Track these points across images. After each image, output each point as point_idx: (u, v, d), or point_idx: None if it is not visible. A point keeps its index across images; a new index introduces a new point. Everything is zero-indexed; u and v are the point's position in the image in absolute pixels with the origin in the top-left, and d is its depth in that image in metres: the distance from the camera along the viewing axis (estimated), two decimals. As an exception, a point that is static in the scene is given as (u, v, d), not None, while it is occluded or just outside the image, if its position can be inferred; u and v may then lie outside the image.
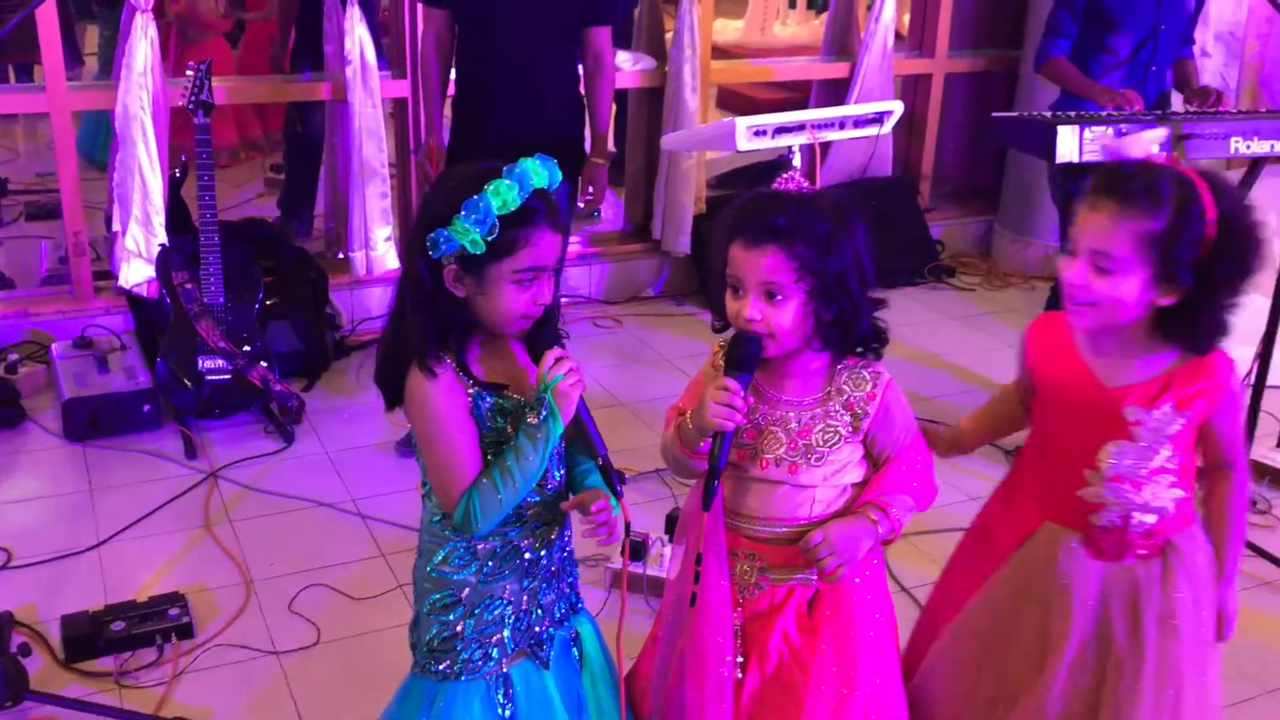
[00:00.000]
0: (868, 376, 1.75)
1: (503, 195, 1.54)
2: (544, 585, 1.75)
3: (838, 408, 1.73)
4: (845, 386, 1.74)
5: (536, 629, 1.75)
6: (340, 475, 3.41)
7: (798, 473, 1.73)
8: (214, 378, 3.55)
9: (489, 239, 1.55)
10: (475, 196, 1.54)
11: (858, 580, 1.78)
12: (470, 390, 1.62)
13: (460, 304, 1.60)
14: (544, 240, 1.60)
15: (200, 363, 3.54)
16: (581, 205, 3.42)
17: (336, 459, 3.50)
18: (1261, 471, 3.43)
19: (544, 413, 1.58)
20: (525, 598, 1.72)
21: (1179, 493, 1.82)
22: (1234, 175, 3.39)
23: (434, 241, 1.56)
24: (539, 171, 1.59)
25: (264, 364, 3.59)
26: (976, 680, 1.94)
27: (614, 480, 1.66)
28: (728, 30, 9.66)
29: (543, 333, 1.64)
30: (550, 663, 1.77)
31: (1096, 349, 1.80)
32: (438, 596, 1.71)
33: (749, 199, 1.70)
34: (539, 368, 1.61)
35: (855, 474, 1.77)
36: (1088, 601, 1.84)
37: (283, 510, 3.22)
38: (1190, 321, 1.71)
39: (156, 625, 2.62)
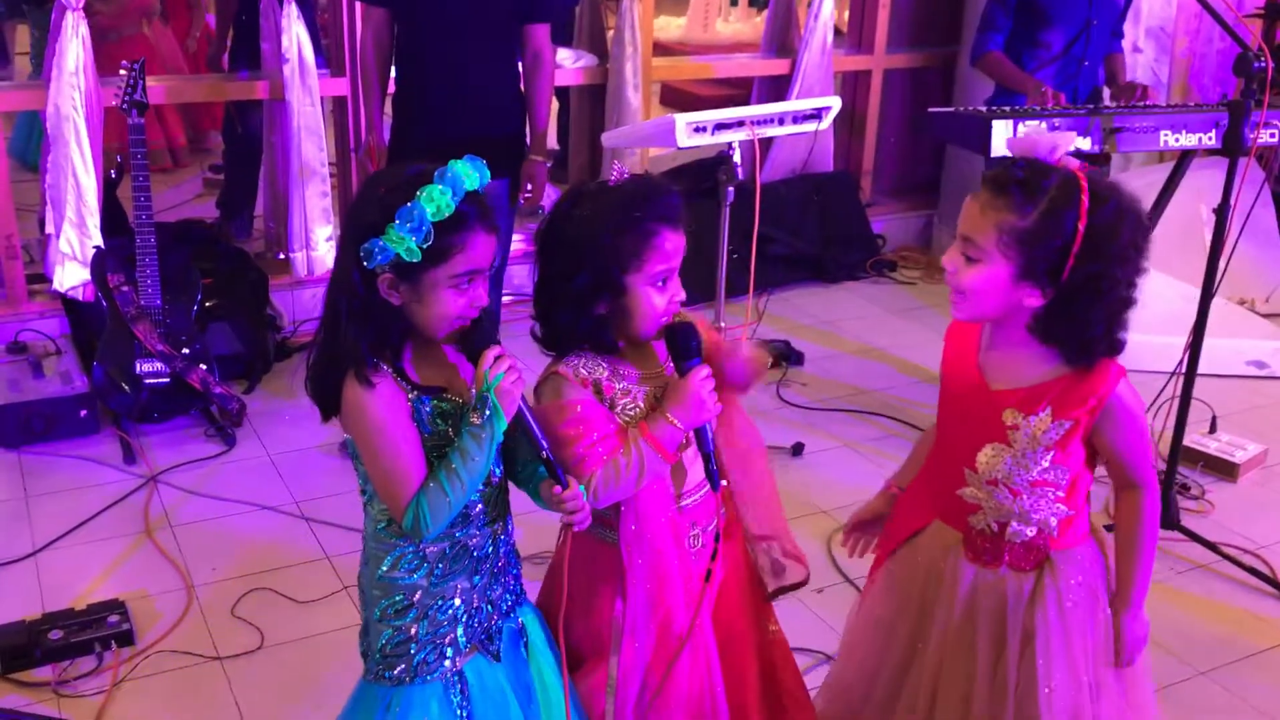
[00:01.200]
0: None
1: (436, 201, 1.53)
2: (492, 580, 1.75)
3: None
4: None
5: (487, 624, 1.75)
6: (282, 478, 3.38)
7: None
8: (152, 381, 3.50)
9: (424, 246, 1.53)
10: (409, 204, 1.52)
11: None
12: (410, 395, 1.61)
13: (395, 311, 1.59)
14: (478, 243, 1.59)
15: (138, 366, 3.48)
16: (521, 202, 3.42)
17: (278, 461, 3.47)
18: (1194, 458, 3.51)
19: (487, 412, 1.58)
20: (475, 595, 1.73)
21: (1064, 509, 1.78)
22: (1165, 168, 3.46)
23: (369, 252, 1.54)
24: (470, 174, 1.57)
25: (203, 366, 3.55)
26: (880, 658, 1.96)
27: (559, 474, 1.66)
28: (670, 27, 9.68)
29: (479, 332, 1.63)
30: (501, 655, 1.77)
31: (991, 350, 1.78)
32: (388, 602, 1.70)
33: (645, 190, 1.70)
34: (478, 367, 1.60)
35: None
36: (956, 602, 1.83)
37: (224, 514, 3.19)
38: (1062, 327, 1.67)
39: (95, 633, 2.58)
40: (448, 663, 1.71)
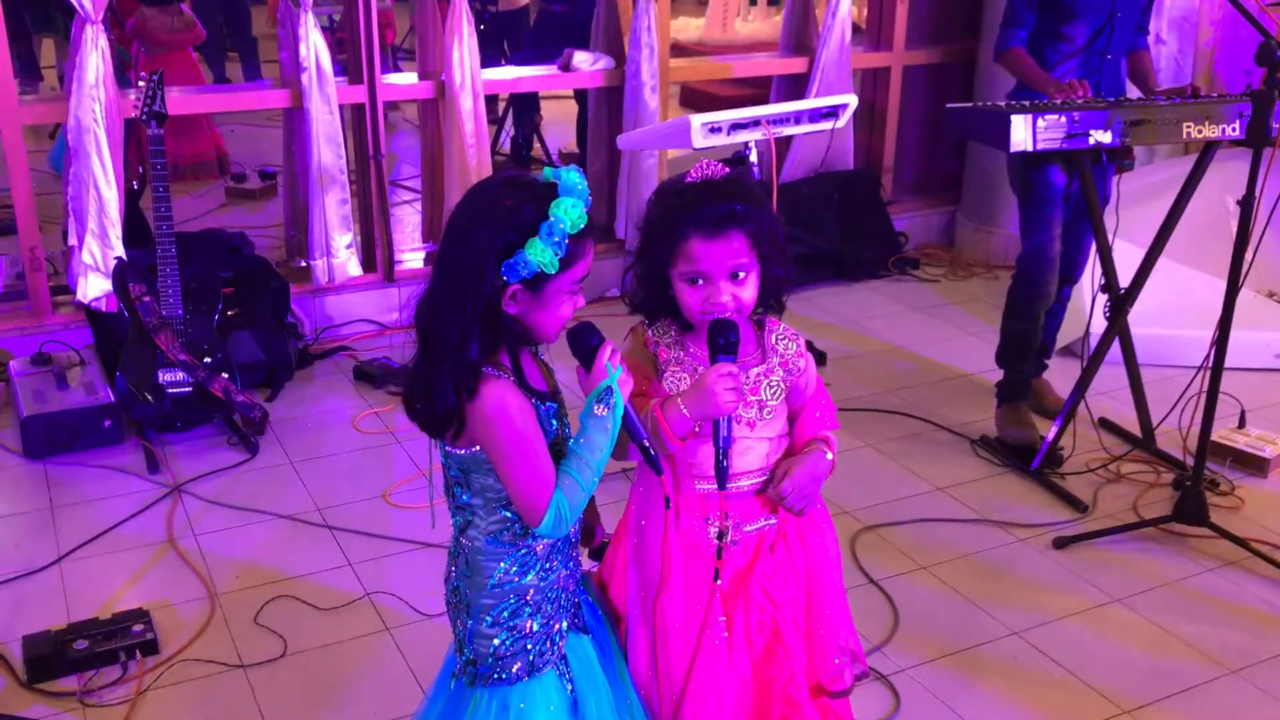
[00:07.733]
0: (790, 337, 1.92)
1: (570, 215, 1.59)
2: (575, 563, 1.82)
3: (776, 366, 1.88)
4: (778, 347, 1.90)
5: (573, 602, 1.83)
6: (305, 485, 3.38)
7: (755, 427, 1.85)
8: (175, 391, 3.51)
9: (561, 258, 1.60)
10: (549, 220, 1.58)
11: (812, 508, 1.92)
12: (532, 400, 1.68)
13: (512, 319, 1.65)
14: (591, 250, 1.69)
15: (160, 376, 3.50)
16: None
17: (301, 469, 3.48)
18: (1223, 453, 3.46)
19: (611, 400, 1.66)
20: (570, 580, 1.80)
21: None
22: (1190, 160, 3.41)
23: (511, 266, 1.59)
24: (583, 183, 1.64)
25: (225, 375, 3.56)
26: None
27: (657, 462, 1.72)
28: (690, 28, 9.68)
29: (591, 331, 1.70)
30: (587, 626, 1.85)
31: None
32: (499, 608, 1.74)
33: (689, 193, 1.78)
34: (596, 361, 1.67)
35: (784, 421, 1.91)
36: None
37: (247, 522, 3.19)
38: None
39: (120, 642, 2.59)
40: (556, 648, 1.78)
